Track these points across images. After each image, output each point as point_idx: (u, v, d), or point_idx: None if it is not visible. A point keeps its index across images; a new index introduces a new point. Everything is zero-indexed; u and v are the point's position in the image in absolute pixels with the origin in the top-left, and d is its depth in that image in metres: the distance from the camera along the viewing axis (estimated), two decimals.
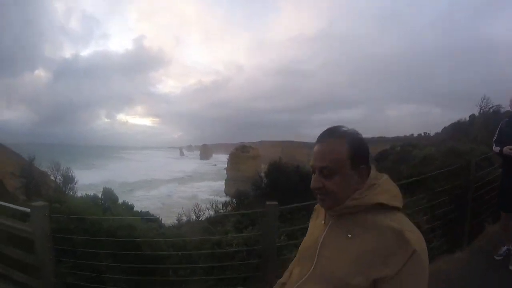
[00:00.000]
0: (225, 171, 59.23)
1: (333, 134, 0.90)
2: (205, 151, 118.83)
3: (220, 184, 49.66)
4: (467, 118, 18.54)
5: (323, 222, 0.96)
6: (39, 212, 2.51)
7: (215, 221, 6.65)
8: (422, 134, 44.54)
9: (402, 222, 0.84)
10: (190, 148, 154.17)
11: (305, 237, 1.04)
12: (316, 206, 1.07)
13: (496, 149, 3.20)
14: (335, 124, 0.94)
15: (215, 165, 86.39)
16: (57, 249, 2.57)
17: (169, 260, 3.04)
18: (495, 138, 3.31)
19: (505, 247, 3.46)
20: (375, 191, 0.87)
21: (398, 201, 0.88)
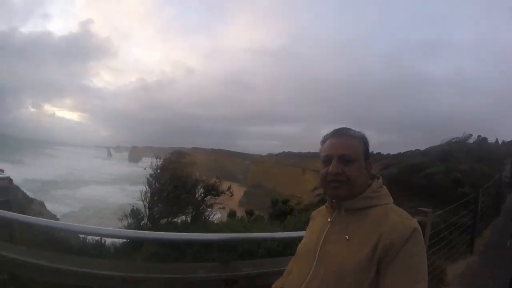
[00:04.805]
0: None
1: (349, 131, 1.06)
2: (135, 154, 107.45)
3: None
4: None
5: (328, 219, 1.05)
6: None
7: None
8: None
9: (400, 212, 0.98)
10: (118, 149, 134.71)
11: (303, 240, 1.14)
12: (313, 213, 1.22)
13: None
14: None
15: (145, 169, 73.07)
16: None
17: None
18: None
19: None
20: (384, 192, 1.03)
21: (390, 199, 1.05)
